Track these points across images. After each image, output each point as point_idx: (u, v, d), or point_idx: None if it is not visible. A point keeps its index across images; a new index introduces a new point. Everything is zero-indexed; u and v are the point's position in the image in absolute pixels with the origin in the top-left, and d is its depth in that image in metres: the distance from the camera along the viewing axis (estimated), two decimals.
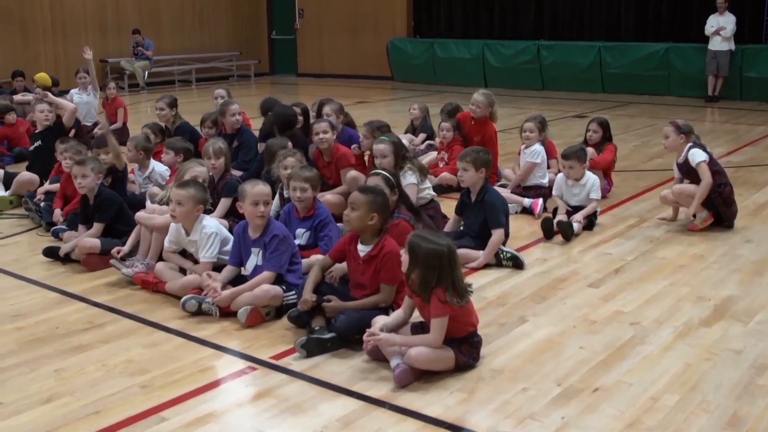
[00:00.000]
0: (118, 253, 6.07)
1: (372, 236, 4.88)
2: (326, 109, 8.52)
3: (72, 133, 9.18)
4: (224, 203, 6.68)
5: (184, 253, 5.84)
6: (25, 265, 6.46)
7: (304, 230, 5.98)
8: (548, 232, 6.93)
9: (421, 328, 4.49)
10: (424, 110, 10.64)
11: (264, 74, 24.62)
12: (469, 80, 18.59)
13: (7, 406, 4.10)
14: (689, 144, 7.10)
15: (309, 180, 5.91)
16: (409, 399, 4.12)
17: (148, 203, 7.13)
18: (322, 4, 23.46)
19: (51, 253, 6.50)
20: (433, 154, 9.42)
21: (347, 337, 4.75)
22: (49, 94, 9.06)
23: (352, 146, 8.12)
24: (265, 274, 5.22)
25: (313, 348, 4.66)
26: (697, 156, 6.96)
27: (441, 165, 8.91)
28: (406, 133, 10.73)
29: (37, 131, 9.19)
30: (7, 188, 8.48)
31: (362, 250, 4.90)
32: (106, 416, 3.98)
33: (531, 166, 8.00)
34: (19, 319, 5.32)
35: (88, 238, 6.32)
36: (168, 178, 7.47)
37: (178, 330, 5.10)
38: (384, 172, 5.94)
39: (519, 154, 8.43)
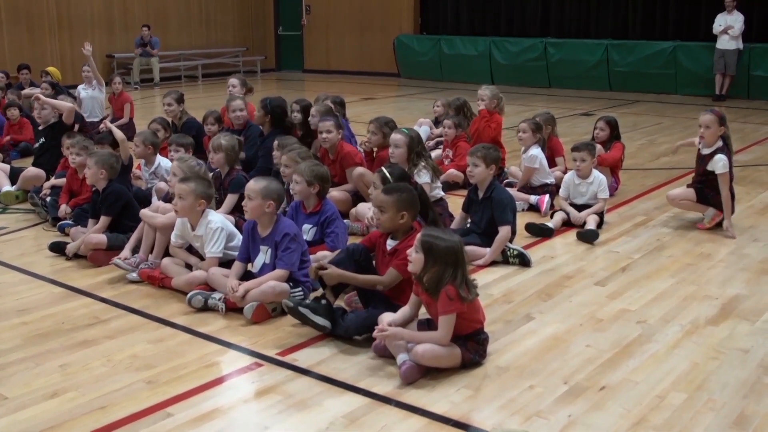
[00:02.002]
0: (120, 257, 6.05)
1: (403, 234, 4.90)
2: (312, 110, 8.52)
3: (76, 128, 9.18)
4: (230, 199, 6.70)
5: (190, 249, 5.84)
6: (31, 260, 6.46)
7: (310, 226, 5.99)
8: (540, 232, 6.94)
9: (427, 325, 4.49)
10: (448, 106, 10.62)
11: (270, 70, 24.63)
12: (476, 77, 18.55)
13: (13, 401, 4.10)
14: (719, 144, 6.92)
15: (300, 173, 5.94)
16: (415, 396, 4.12)
17: (154, 199, 7.14)
18: (329, 1, 23.45)
19: (57, 248, 6.51)
20: (437, 151, 9.42)
21: (353, 335, 4.77)
22: (42, 96, 9.01)
23: (361, 142, 8.12)
24: (278, 271, 5.21)
25: (295, 314, 4.79)
26: (720, 165, 6.82)
27: (446, 162, 8.90)
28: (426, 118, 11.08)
29: (40, 128, 9.20)
30: (13, 183, 8.48)
31: (390, 244, 4.93)
32: (111, 412, 3.98)
33: (530, 172, 8.00)
34: (25, 313, 5.32)
35: (94, 234, 6.32)
36: None
37: (184, 326, 5.09)
38: (384, 170, 5.94)
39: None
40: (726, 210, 6.91)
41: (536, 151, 7.99)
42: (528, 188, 7.99)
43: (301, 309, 4.75)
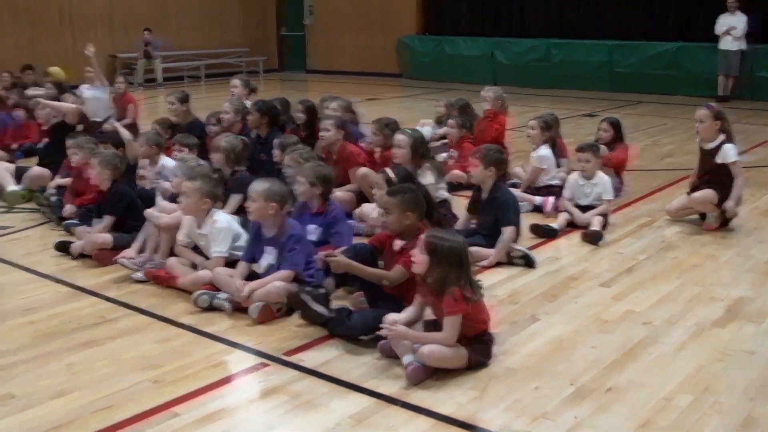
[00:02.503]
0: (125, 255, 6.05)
1: (411, 234, 4.88)
2: (333, 105, 8.54)
3: (80, 128, 9.19)
4: (234, 199, 6.69)
5: (196, 249, 5.83)
6: (37, 260, 6.47)
7: (315, 226, 5.98)
8: (544, 233, 6.95)
9: (433, 327, 4.49)
10: (450, 106, 10.61)
11: (273, 71, 24.60)
12: (479, 78, 18.49)
13: (19, 400, 4.11)
14: (723, 137, 6.96)
15: (303, 174, 5.97)
16: (421, 396, 4.12)
17: (158, 199, 7.14)
18: (331, 2, 23.41)
19: (63, 247, 6.52)
20: (445, 153, 9.42)
21: (358, 335, 4.78)
22: (41, 100, 8.98)
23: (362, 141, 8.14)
24: (283, 272, 5.21)
25: (295, 299, 4.84)
26: (732, 154, 6.88)
27: (451, 163, 8.90)
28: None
29: (44, 128, 9.20)
30: (18, 183, 8.48)
31: (398, 244, 4.94)
32: (117, 411, 3.98)
33: (537, 172, 8.00)
34: (31, 313, 5.32)
35: (100, 234, 6.33)
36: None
37: (190, 325, 5.10)
38: (388, 171, 5.94)
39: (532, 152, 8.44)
40: (736, 194, 6.90)
41: (546, 152, 7.99)
42: (532, 189, 8.00)
43: (303, 296, 4.77)
